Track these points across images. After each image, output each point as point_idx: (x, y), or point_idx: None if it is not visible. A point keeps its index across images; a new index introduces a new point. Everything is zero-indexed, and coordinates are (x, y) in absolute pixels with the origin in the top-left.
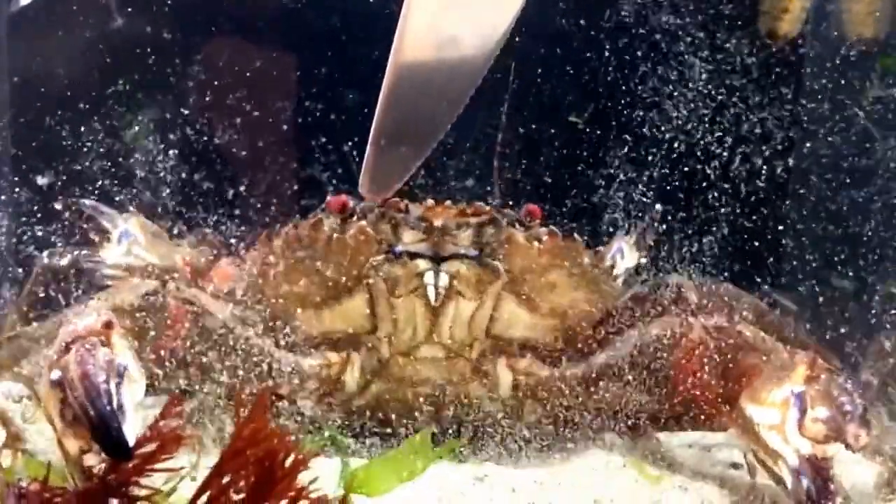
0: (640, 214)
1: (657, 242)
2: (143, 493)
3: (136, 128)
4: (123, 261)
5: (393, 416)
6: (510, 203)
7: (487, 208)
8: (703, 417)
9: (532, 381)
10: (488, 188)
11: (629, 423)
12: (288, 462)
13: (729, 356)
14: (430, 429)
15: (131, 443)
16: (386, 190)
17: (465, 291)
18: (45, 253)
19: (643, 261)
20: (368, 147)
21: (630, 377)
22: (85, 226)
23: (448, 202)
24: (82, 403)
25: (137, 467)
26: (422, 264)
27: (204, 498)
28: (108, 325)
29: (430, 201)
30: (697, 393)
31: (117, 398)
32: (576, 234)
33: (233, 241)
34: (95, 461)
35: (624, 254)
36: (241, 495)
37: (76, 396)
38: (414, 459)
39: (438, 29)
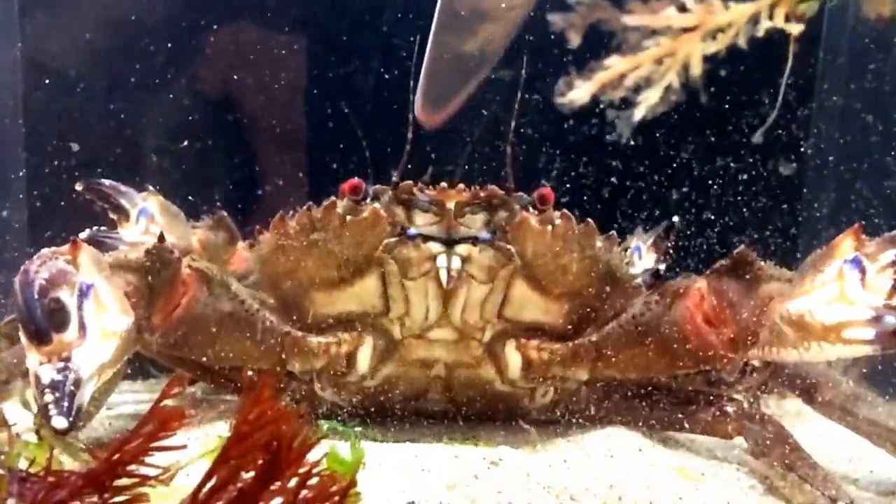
0: (658, 214)
1: (675, 248)
2: (151, 472)
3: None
4: (141, 239)
5: (405, 397)
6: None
7: (500, 192)
8: (717, 367)
9: (542, 361)
10: (501, 172)
11: (643, 403)
12: (295, 444)
13: (743, 287)
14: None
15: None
16: (440, 112)
17: (477, 274)
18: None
19: (662, 266)
20: (422, 75)
21: (639, 338)
22: (104, 205)
23: (461, 185)
24: (16, 299)
25: (141, 446)
26: (434, 247)
27: (211, 483)
28: (74, 246)
29: (443, 184)
30: (710, 339)
31: (78, 314)
32: (589, 219)
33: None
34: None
35: (641, 254)
36: (250, 478)
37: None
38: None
39: None
